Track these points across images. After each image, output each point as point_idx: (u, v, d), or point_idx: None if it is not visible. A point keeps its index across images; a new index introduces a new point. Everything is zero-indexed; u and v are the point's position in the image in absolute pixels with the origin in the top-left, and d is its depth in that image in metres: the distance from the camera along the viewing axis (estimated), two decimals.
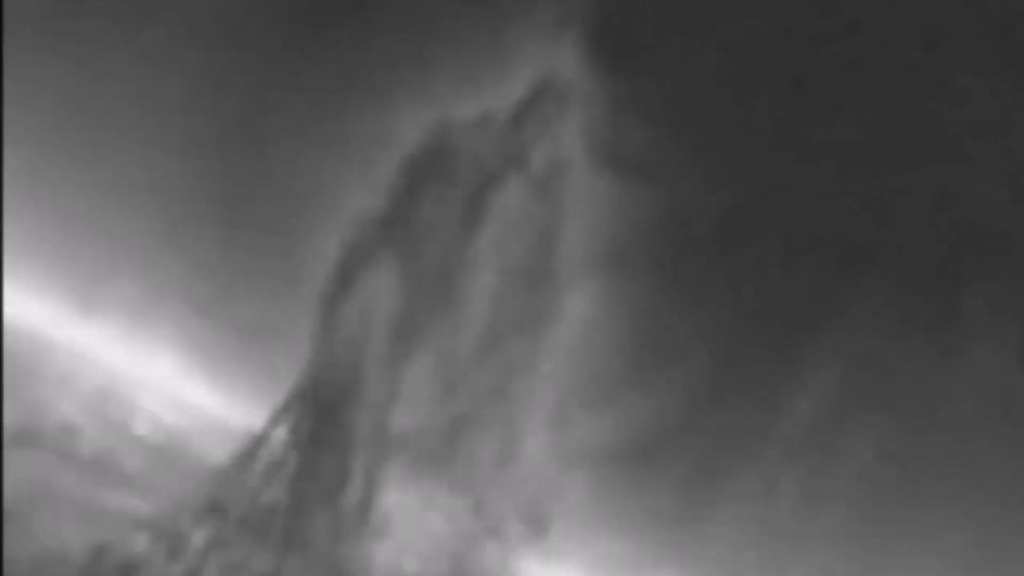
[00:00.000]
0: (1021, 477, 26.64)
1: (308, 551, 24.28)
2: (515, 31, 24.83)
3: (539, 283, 25.36)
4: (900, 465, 26.78)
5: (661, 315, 25.37)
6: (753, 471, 26.74)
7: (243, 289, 27.26)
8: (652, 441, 25.99)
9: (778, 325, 26.84)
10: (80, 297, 28.44)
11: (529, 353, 25.23)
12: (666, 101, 24.77)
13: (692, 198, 24.64)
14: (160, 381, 29.41)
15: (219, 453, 26.16)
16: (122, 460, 27.07)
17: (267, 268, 27.04)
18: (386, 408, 24.66)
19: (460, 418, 24.84)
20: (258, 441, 24.77)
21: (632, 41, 25.36)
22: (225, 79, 27.06)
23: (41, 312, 28.79)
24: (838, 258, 26.52)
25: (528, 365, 25.17)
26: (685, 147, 24.60)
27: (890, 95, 25.53)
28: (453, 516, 25.06)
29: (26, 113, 26.97)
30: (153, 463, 27.59)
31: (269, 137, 26.98)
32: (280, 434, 24.88)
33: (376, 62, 26.18)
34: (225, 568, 24.34)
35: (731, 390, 27.01)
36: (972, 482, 26.66)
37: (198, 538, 24.47)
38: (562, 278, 25.37)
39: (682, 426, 26.40)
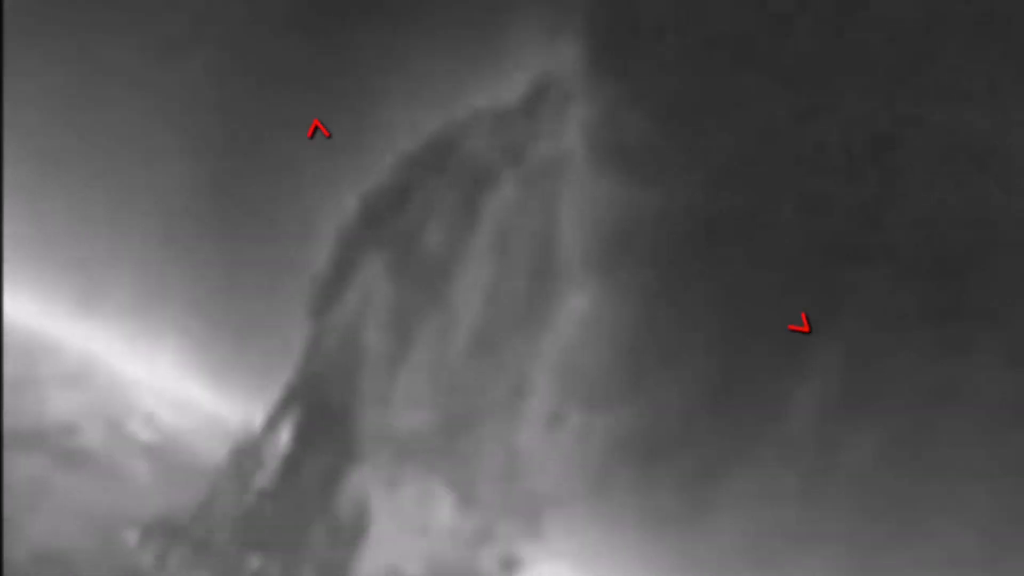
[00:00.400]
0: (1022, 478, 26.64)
1: (302, 553, 24.31)
2: (513, 30, 24.83)
3: (537, 281, 25.34)
4: (901, 466, 26.77)
5: (659, 314, 25.37)
6: (753, 471, 26.75)
7: (243, 289, 27.27)
8: (652, 441, 26.00)
9: (778, 325, 26.80)
10: (80, 297, 28.46)
11: (526, 352, 25.22)
12: (665, 100, 24.76)
13: (691, 196, 24.65)
14: (160, 381, 29.44)
15: (218, 453, 26.23)
16: (122, 460, 27.09)
17: (267, 268, 27.05)
18: (382, 407, 24.65)
19: (457, 417, 24.85)
20: (253, 443, 24.78)
21: (632, 39, 25.34)
22: (225, 79, 27.07)
23: (41, 312, 28.80)
24: (839, 258, 26.50)
25: (525, 364, 25.17)
26: (684, 145, 24.61)
27: (891, 96, 25.54)
28: (451, 516, 25.09)
29: (26, 113, 26.99)
30: (152, 463, 27.61)
31: (268, 137, 27.00)
32: (274, 435, 24.90)
33: (376, 61, 26.18)
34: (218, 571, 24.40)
35: (731, 390, 27.01)
36: (973, 483, 26.65)
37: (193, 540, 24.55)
38: (560, 276, 25.35)
39: (682, 426, 26.42)
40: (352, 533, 24.41)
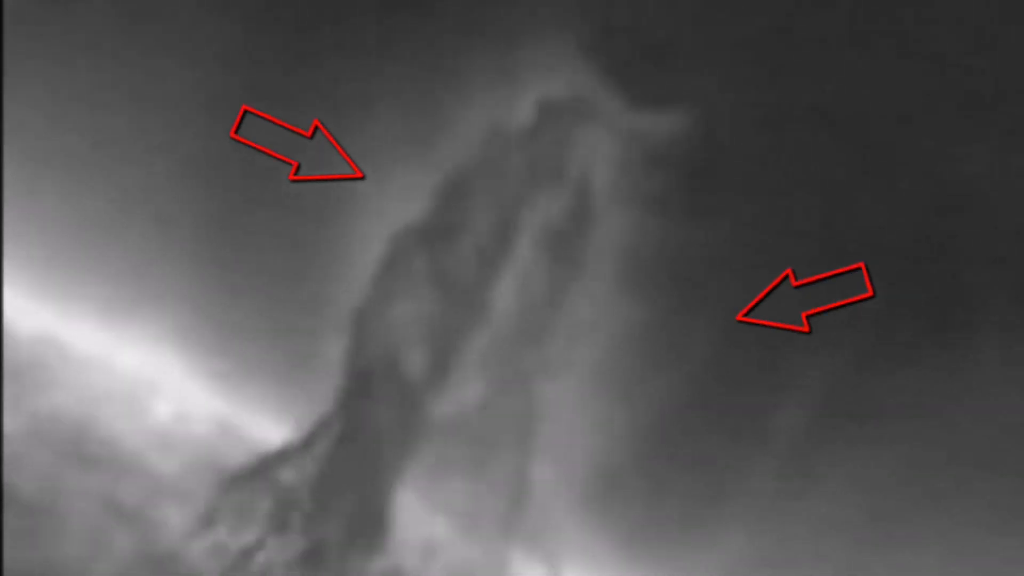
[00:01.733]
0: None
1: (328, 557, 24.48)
2: (523, 52, 24.98)
3: (565, 293, 25.65)
4: (900, 467, 26.96)
5: (672, 320, 25.61)
6: (755, 472, 26.92)
7: (246, 289, 27.28)
8: (654, 442, 26.18)
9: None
10: (81, 297, 28.41)
11: (550, 360, 25.54)
12: (680, 111, 24.99)
13: (705, 208, 24.92)
14: (161, 381, 29.42)
15: (221, 454, 26.33)
16: (124, 460, 27.10)
17: (271, 269, 27.08)
18: (417, 413, 24.88)
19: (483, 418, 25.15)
20: (292, 448, 25.01)
21: (646, 57, 25.53)
22: (229, 78, 27.01)
23: (41, 312, 28.75)
24: (841, 259, 26.65)
25: (551, 371, 25.50)
26: (701, 161, 24.88)
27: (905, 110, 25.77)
28: (463, 516, 25.31)
29: (26, 113, 26.90)
30: (155, 464, 27.63)
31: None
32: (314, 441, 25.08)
33: (400, 71, 26.23)
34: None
35: (732, 393, 27.20)
36: (975, 488, 26.86)
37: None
38: (587, 288, 25.64)
39: (683, 427, 26.59)
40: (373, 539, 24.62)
